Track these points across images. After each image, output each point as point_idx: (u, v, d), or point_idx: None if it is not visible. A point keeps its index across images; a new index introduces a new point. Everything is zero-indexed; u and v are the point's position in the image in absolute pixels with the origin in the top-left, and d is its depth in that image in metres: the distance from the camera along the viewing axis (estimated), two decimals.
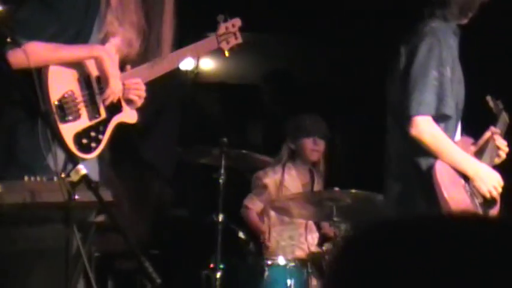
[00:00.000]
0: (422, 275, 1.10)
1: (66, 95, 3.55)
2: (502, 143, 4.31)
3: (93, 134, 3.64)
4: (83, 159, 3.53)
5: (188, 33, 4.13)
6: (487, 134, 4.33)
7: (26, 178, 3.02)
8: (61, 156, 3.42)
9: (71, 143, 3.53)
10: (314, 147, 6.05)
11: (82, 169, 2.92)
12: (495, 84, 4.93)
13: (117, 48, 3.75)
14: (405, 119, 3.98)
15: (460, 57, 4.14)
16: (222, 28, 4.20)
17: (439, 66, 3.98)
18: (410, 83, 3.98)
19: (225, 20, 4.21)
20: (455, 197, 3.93)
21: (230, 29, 4.21)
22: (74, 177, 2.91)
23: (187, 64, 8.31)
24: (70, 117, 3.55)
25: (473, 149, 4.29)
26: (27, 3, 3.61)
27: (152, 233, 6.60)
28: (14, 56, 3.34)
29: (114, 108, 3.76)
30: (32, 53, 3.35)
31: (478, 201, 4.06)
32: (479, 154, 4.26)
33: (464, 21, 4.17)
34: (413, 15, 4.13)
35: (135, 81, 3.80)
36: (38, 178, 3.03)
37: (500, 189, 4.10)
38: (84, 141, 3.60)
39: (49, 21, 3.56)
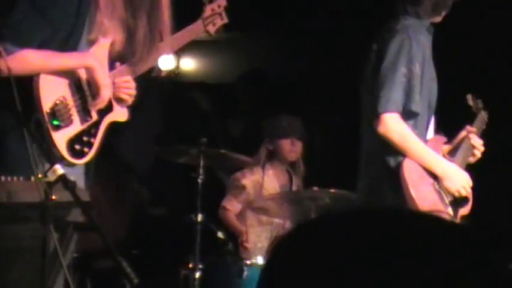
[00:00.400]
0: (349, 267, 1.10)
1: (57, 102, 3.49)
2: (477, 142, 4.34)
3: (85, 138, 3.60)
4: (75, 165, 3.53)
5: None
6: (463, 133, 4.36)
7: (2, 178, 3.02)
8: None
9: (64, 151, 3.49)
10: (292, 148, 6.09)
11: (59, 169, 2.93)
12: (475, 83, 4.98)
13: (109, 48, 3.72)
14: (373, 117, 4.00)
15: (438, 55, 4.17)
16: (207, 10, 4.10)
17: (408, 63, 4.00)
18: (379, 80, 4.01)
19: (210, 1, 4.12)
20: (421, 194, 3.97)
21: (216, 10, 4.12)
22: (51, 177, 2.92)
23: (167, 64, 8.32)
24: (62, 124, 3.51)
25: (446, 147, 4.32)
26: (17, 7, 3.55)
27: (131, 233, 6.61)
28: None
29: (105, 109, 3.72)
30: (24, 61, 3.33)
31: (447, 199, 4.09)
32: (452, 153, 4.29)
33: (438, 19, 4.19)
34: (388, 13, 4.16)
35: (125, 79, 3.76)
36: (15, 178, 3.03)
37: (469, 189, 4.14)
38: (77, 147, 3.55)
39: (40, 26, 3.50)
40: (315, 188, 5.36)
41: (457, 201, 4.14)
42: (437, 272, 1.08)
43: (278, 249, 1.23)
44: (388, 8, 4.18)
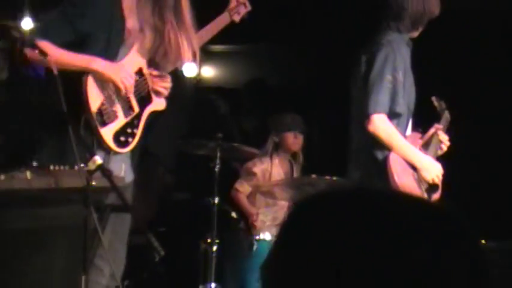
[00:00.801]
0: (342, 245, 1.05)
1: (104, 102, 3.49)
2: (444, 138, 4.34)
3: (129, 130, 3.60)
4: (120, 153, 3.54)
5: None
6: (432, 130, 4.36)
7: (51, 167, 3.03)
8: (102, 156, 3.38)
9: (111, 143, 3.51)
10: (294, 140, 6.11)
11: (98, 159, 2.95)
12: (439, 87, 4.97)
13: (143, 52, 3.66)
14: (364, 117, 4.01)
15: (412, 65, 4.18)
16: (233, 1, 4.02)
17: (393, 71, 4.00)
18: (368, 86, 4.01)
19: None
20: (404, 183, 3.98)
21: (240, 0, 4.03)
22: (91, 166, 2.94)
23: (191, 71, 8.31)
24: (108, 120, 3.51)
25: (420, 142, 4.33)
26: (52, 11, 3.56)
27: (158, 213, 6.62)
28: (31, 53, 3.28)
29: (145, 101, 3.70)
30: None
31: (423, 187, 4.11)
32: (425, 147, 4.30)
33: (415, 34, 4.19)
34: (373, 27, 4.16)
35: (159, 73, 3.72)
36: (62, 167, 3.04)
37: (441, 177, 4.16)
38: (122, 138, 3.56)
39: (65, 32, 3.49)
40: (313, 176, 5.37)
41: (431, 188, 4.16)
42: (427, 248, 1.04)
43: (284, 226, 1.19)
44: (372, 23, 4.18)
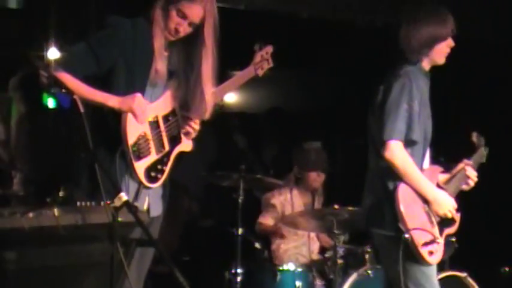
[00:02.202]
0: None
1: (140, 137, 3.58)
2: (472, 174, 4.35)
3: (159, 166, 3.68)
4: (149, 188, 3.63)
5: None
6: (460, 165, 4.37)
7: (78, 203, 3.06)
8: (133, 186, 3.54)
9: (142, 177, 3.60)
10: (317, 178, 6.15)
11: (124, 196, 2.97)
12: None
13: (170, 94, 3.75)
14: (380, 144, 4.02)
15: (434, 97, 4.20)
16: (258, 56, 4.10)
17: (409, 100, 4.03)
18: (385, 114, 4.03)
19: (260, 49, 4.11)
20: (411, 213, 3.98)
21: (264, 56, 4.12)
22: (117, 203, 2.96)
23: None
24: (142, 155, 3.59)
25: (445, 176, 4.33)
26: (79, 43, 3.60)
27: (183, 243, 6.64)
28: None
29: (175, 140, 3.79)
30: (61, 80, 3.24)
31: (435, 220, 4.11)
32: (448, 181, 4.30)
33: (427, 65, 4.19)
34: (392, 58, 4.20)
35: (191, 116, 3.80)
36: (88, 203, 3.06)
37: (454, 212, 4.16)
38: (153, 174, 3.65)
39: (88, 66, 3.54)
40: (336, 206, 5.38)
41: (444, 222, 4.16)
42: None
43: None
44: (391, 55, 4.22)
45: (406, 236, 3.93)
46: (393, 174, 4.02)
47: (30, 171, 4.98)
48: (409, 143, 4.04)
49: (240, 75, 4.05)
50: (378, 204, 4.08)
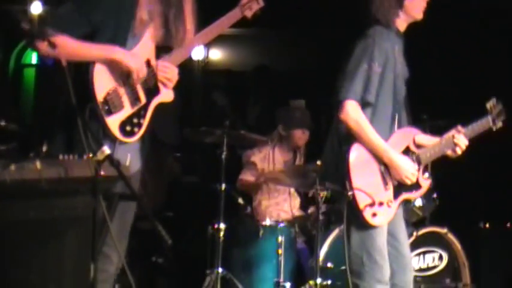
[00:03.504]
0: None
1: (110, 91, 3.48)
2: (461, 142, 4.25)
3: (135, 120, 3.58)
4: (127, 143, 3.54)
5: None
6: (452, 131, 4.28)
7: (60, 157, 3.02)
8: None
9: (116, 132, 3.50)
10: (302, 136, 6.15)
11: (106, 150, 2.95)
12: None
13: (151, 40, 3.64)
14: (336, 104, 4.00)
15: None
16: None
17: (369, 61, 3.99)
18: (345, 73, 4.01)
19: None
20: (360, 172, 3.94)
21: None
22: (100, 157, 2.93)
23: (198, 54, 8.30)
24: (114, 110, 3.50)
25: (425, 137, 4.24)
26: (64, 5, 3.52)
27: (167, 199, 6.64)
28: (43, 45, 3.19)
29: (152, 92, 3.68)
30: (61, 45, 3.22)
31: (392, 182, 4.05)
32: (431, 145, 4.22)
33: (400, 25, 4.13)
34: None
35: (165, 64, 3.70)
36: (71, 156, 3.03)
37: (414, 179, 4.08)
38: (128, 128, 3.55)
39: (79, 25, 3.47)
40: (318, 162, 5.36)
41: (404, 187, 4.09)
42: None
43: None
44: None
45: (349, 193, 3.90)
46: (348, 134, 3.99)
47: (16, 128, 4.93)
48: (365, 105, 4.00)
49: (225, 18, 3.89)
50: (335, 160, 4.05)
